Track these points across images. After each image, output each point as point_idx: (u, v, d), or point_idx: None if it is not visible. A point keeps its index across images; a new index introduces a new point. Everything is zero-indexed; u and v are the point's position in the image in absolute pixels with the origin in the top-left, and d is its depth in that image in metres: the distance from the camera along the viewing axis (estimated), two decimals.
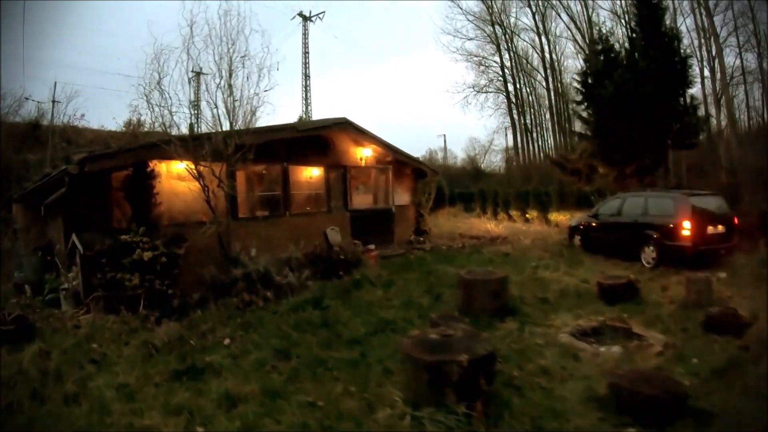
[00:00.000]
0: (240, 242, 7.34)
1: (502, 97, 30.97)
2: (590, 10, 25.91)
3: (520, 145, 29.86)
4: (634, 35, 13.83)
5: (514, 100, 29.85)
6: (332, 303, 6.72)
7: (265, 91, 6.43)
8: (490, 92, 30.97)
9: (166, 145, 6.05)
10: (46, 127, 15.29)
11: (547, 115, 31.11)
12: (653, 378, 3.42)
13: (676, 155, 15.77)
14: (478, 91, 30.56)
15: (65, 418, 3.50)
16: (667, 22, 14.52)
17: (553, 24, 28.67)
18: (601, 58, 14.61)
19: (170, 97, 6.18)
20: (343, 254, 8.70)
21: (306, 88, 27.36)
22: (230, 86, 6.35)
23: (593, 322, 5.48)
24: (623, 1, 21.35)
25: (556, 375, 4.05)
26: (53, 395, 3.80)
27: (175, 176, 7.11)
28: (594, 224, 11.00)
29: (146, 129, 19.61)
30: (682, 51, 13.51)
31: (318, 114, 29.29)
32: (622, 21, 22.44)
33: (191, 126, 30.22)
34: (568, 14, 26.67)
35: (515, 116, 29.87)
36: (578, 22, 26.70)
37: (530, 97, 31.10)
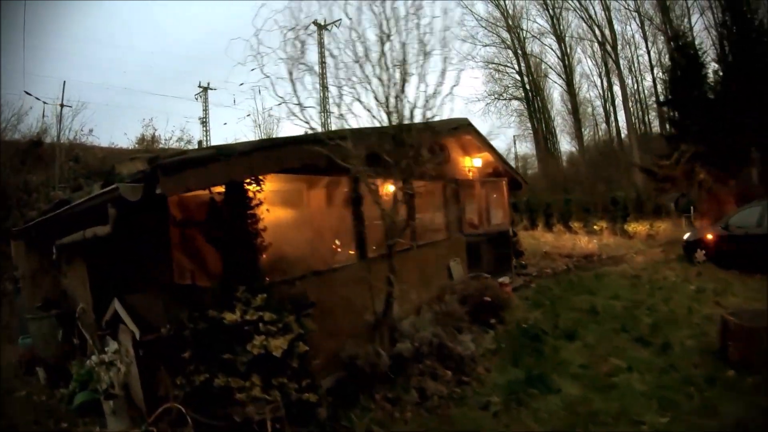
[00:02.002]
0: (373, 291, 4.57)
1: (516, 104, 29.04)
2: (609, 11, 24.30)
3: (540, 152, 27.80)
4: (725, 30, 11.81)
5: (533, 107, 27.85)
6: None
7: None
8: (503, 99, 28.95)
9: (337, 140, 3.27)
10: (49, 144, 12.17)
11: (557, 121, 29.35)
12: None
13: None
14: (497, 98, 28.46)
15: None
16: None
17: (569, 28, 26.95)
18: (679, 55, 12.57)
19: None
20: (488, 294, 6.03)
21: (324, 100, 24.59)
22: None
23: None
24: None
25: None
26: None
27: (279, 200, 4.29)
28: (726, 237, 9.14)
29: (161, 145, 16.80)
30: None
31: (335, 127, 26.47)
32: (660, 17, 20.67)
33: (200, 143, 27.14)
34: (588, 14, 24.89)
35: (534, 123, 27.87)
36: (597, 23, 25.00)
37: (539, 104, 29.22)
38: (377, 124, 4.26)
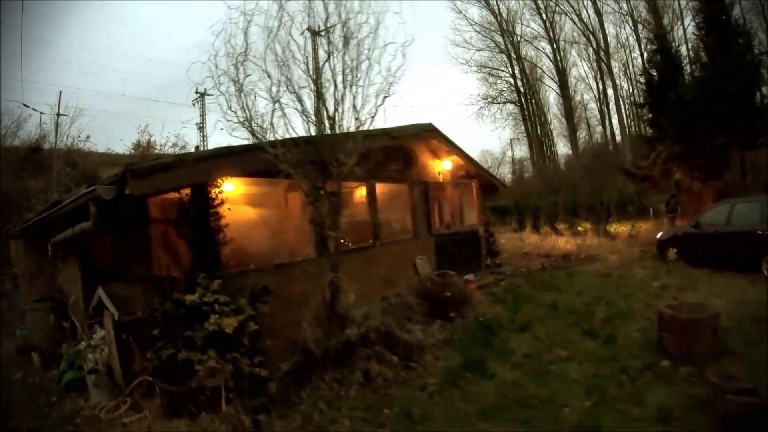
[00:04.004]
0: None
1: (511, 107, 29.60)
2: (601, 16, 24.85)
3: (534, 155, 28.34)
4: (703, 33, 12.28)
5: (527, 111, 28.40)
6: (490, 364, 4.66)
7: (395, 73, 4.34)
8: (498, 103, 29.52)
9: (270, 150, 3.86)
10: (48, 150, 12.86)
11: (553, 124, 29.80)
12: None
13: None
14: (490, 102, 29.05)
15: None
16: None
17: (562, 32, 27.50)
18: (659, 57, 13.10)
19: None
20: (449, 290, 6.57)
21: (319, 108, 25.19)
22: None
23: None
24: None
25: None
26: None
27: (243, 201, 4.91)
28: (696, 235, 9.39)
29: (157, 150, 17.56)
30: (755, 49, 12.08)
31: None
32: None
33: (197, 148, 27.91)
34: (580, 18, 25.42)
35: (528, 126, 28.42)
36: (590, 28, 25.53)
37: (533, 107, 29.72)
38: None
